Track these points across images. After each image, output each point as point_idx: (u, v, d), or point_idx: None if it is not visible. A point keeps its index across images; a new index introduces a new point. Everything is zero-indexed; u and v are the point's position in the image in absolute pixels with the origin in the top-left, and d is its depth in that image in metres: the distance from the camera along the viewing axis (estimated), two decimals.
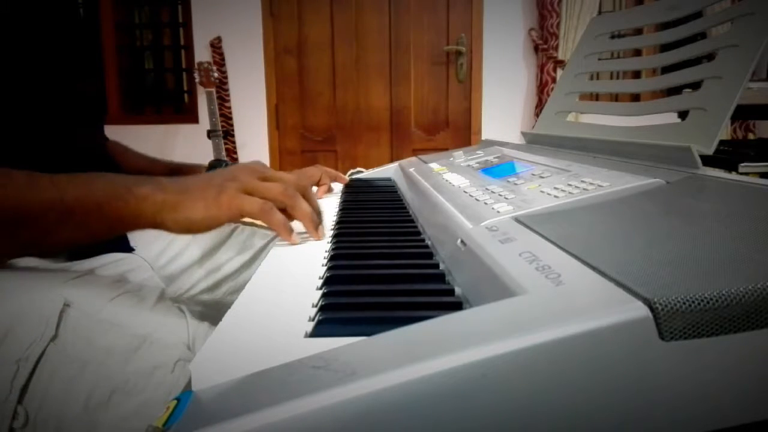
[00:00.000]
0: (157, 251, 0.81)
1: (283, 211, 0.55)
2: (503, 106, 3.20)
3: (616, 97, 2.01)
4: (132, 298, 0.56)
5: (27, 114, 0.64)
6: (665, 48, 0.72)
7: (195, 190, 0.53)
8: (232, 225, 0.91)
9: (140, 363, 0.49)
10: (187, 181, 0.55)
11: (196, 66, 2.90)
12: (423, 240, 0.58)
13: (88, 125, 0.79)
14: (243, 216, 0.52)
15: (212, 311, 0.81)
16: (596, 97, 1.14)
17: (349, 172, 1.14)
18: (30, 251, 0.55)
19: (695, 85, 0.62)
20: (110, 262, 0.70)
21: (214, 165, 0.89)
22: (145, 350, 0.50)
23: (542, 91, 3.09)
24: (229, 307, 0.38)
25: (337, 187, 0.95)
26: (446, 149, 1.41)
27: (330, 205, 0.81)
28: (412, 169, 0.93)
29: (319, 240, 0.57)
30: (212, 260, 0.86)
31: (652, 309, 0.24)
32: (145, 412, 0.47)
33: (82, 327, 0.51)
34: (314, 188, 0.91)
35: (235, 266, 0.87)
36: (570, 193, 0.49)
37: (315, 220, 0.57)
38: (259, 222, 0.55)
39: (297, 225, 0.57)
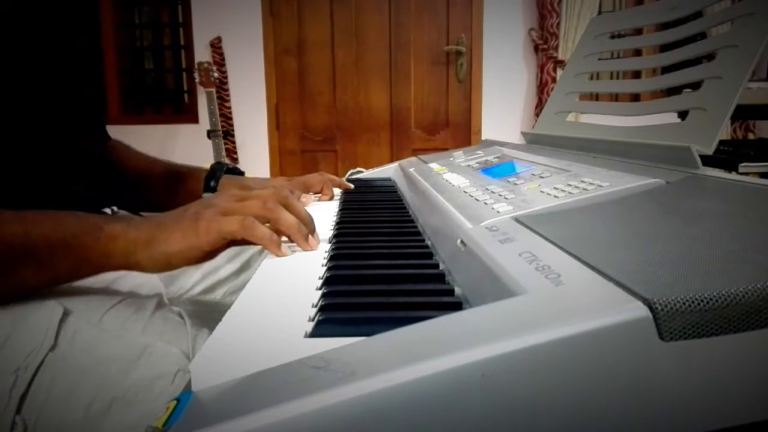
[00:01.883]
0: None
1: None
2: (503, 106, 3.21)
3: (616, 97, 2.01)
4: (131, 305, 0.55)
5: (25, 120, 0.63)
6: (665, 48, 0.72)
7: (169, 223, 0.50)
8: None
9: (140, 373, 0.49)
10: (161, 216, 0.52)
11: (196, 66, 2.90)
12: (423, 240, 0.58)
13: (86, 130, 0.79)
14: (224, 237, 0.49)
15: (212, 312, 0.81)
16: (596, 97, 1.14)
17: (349, 172, 1.14)
18: None
19: (695, 85, 0.62)
20: None
21: (216, 168, 0.88)
22: (145, 360, 0.50)
23: (542, 91, 3.09)
24: (229, 308, 0.38)
25: (337, 189, 0.94)
26: (446, 149, 1.41)
27: (330, 206, 0.81)
28: (412, 169, 0.93)
29: (311, 250, 0.53)
30: (212, 261, 0.86)
31: (651, 309, 0.24)
32: (145, 422, 0.47)
33: (82, 336, 0.50)
34: (314, 196, 0.90)
35: (234, 267, 0.87)
36: (570, 193, 0.49)
37: (302, 231, 0.53)
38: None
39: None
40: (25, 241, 0.48)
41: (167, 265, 0.50)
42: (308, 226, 0.55)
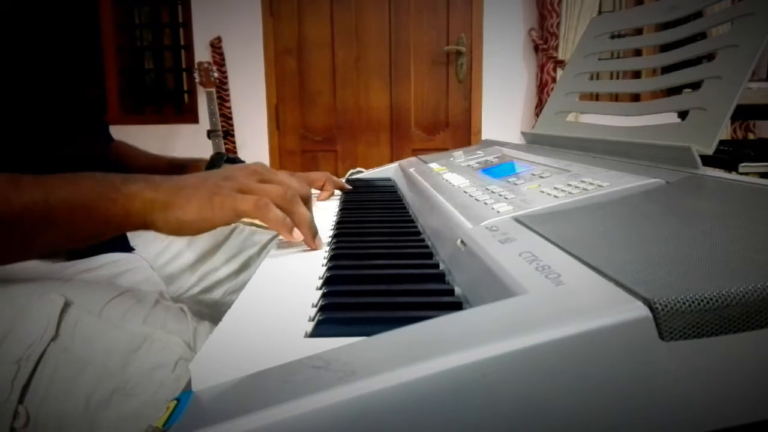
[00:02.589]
0: (156, 251, 0.81)
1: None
2: (503, 106, 3.21)
3: (616, 97, 2.01)
4: (132, 297, 0.56)
5: (28, 120, 0.63)
6: (665, 48, 0.72)
7: (188, 189, 0.50)
8: (232, 225, 0.90)
9: (141, 363, 0.49)
10: (181, 180, 0.52)
11: (196, 66, 2.90)
12: (423, 240, 0.57)
13: (89, 130, 0.79)
14: (237, 216, 0.50)
15: (212, 311, 0.81)
16: (596, 97, 1.14)
17: (349, 172, 1.14)
18: (14, 257, 0.51)
19: (695, 85, 0.62)
20: (110, 261, 0.70)
21: (216, 159, 0.89)
22: (145, 350, 0.50)
23: (542, 91, 3.09)
24: (229, 307, 0.38)
25: (337, 190, 0.94)
26: (446, 149, 1.41)
27: (330, 206, 0.81)
28: (412, 169, 0.93)
29: (317, 250, 0.54)
30: (212, 260, 0.86)
31: (652, 309, 0.24)
32: (146, 411, 0.47)
33: (83, 326, 0.50)
34: (316, 191, 0.90)
35: (235, 266, 0.87)
36: (570, 193, 0.49)
37: (314, 229, 0.54)
38: (259, 222, 0.53)
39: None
40: (46, 206, 0.48)
41: (180, 230, 0.50)
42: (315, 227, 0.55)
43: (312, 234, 0.54)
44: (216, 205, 0.49)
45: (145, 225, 0.51)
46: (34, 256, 0.53)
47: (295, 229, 0.52)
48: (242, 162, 0.93)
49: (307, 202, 0.55)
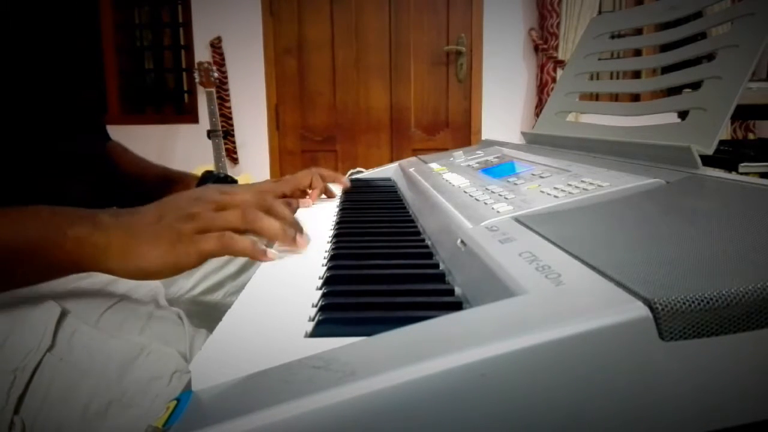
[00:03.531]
0: None
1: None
2: (503, 106, 3.21)
3: (616, 97, 2.01)
4: (129, 305, 0.55)
5: (26, 121, 0.63)
6: (665, 48, 0.72)
7: (145, 233, 0.47)
8: None
9: (137, 374, 0.49)
10: (133, 219, 0.49)
11: (196, 66, 2.90)
12: (423, 240, 0.57)
13: (87, 131, 0.79)
14: (205, 258, 0.48)
15: (212, 312, 0.81)
16: (596, 97, 1.14)
17: (349, 172, 1.13)
18: None
19: (695, 85, 0.62)
20: None
21: (207, 177, 0.88)
22: (142, 361, 0.50)
23: (542, 91, 3.09)
24: (229, 308, 0.38)
25: (338, 188, 0.92)
26: (446, 149, 1.41)
27: (330, 206, 0.81)
28: (412, 169, 0.93)
29: (301, 250, 0.52)
30: (212, 261, 0.86)
31: (652, 309, 0.24)
32: (142, 423, 0.47)
33: (80, 336, 0.50)
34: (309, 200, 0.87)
35: (235, 267, 0.87)
36: (570, 193, 0.49)
37: (289, 233, 0.51)
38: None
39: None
40: None
41: (143, 278, 0.49)
42: (293, 227, 0.53)
43: (289, 238, 0.51)
44: (180, 253, 0.47)
45: (100, 270, 0.48)
46: None
47: (268, 250, 0.50)
48: (235, 181, 0.91)
49: (271, 209, 0.52)
